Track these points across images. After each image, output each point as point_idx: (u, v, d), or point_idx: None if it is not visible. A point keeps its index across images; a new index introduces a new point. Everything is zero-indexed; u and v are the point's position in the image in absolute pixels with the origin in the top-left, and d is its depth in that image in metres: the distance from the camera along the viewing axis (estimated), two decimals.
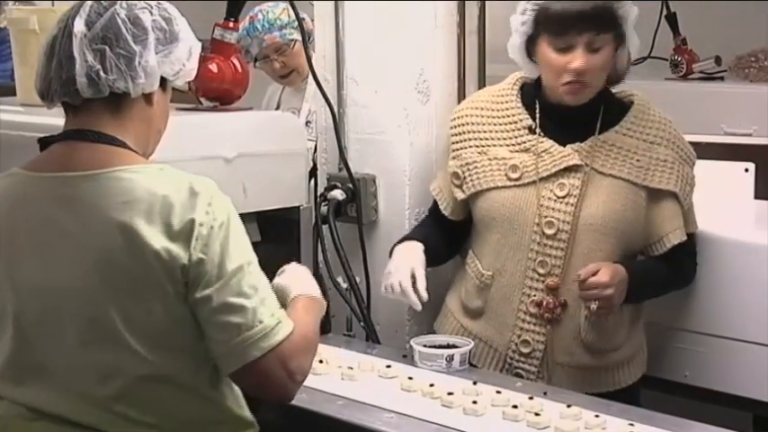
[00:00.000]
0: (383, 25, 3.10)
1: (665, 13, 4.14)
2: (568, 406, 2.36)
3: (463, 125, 2.85)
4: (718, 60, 3.98)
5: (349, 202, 3.14)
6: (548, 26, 2.68)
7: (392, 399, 2.45)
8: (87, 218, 2.01)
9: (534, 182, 2.73)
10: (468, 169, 2.81)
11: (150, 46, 2.07)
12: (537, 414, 2.33)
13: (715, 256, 2.82)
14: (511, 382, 2.63)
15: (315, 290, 2.30)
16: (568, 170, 2.72)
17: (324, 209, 3.14)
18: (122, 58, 2.05)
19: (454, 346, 2.71)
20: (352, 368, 2.61)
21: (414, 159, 3.10)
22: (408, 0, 3.05)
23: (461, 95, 3.15)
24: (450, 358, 2.67)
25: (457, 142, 2.85)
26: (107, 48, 2.04)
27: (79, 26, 2.05)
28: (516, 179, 2.75)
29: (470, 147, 2.82)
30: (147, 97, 2.11)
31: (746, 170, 2.97)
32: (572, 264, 2.69)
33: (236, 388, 2.14)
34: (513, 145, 2.78)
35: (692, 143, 2.75)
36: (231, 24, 3.00)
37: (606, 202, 2.69)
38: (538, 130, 2.76)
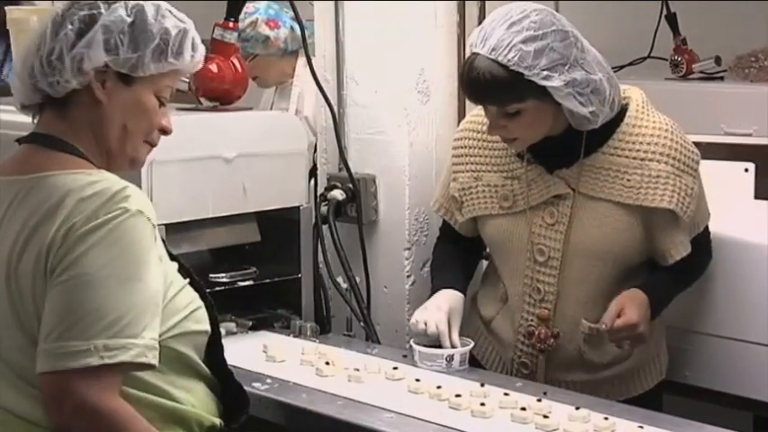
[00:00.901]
0: (383, 25, 3.10)
1: (665, 13, 4.14)
2: (577, 408, 2.34)
3: (462, 147, 2.82)
4: (718, 60, 3.96)
5: (349, 202, 3.14)
6: (462, 87, 2.65)
7: (399, 401, 2.44)
8: (7, 222, 2.01)
9: (525, 210, 2.71)
10: (465, 194, 2.79)
11: (68, 42, 2.02)
12: (545, 416, 2.31)
13: (715, 256, 2.82)
14: (511, 382, 2.62)
15: None
16: (557, 197, 2.68)
17: (324, 209, 3.14)
18: (41, 60, 2.03)
19: (454, 346, 2.71)
20: (358, 370, 2.59)
21: (414, 159, 3.10)
22: (408, 0, 3.05)
23: (461, 95, 3.15)
24: (451, 358, 2.67)
25: (456, 164, 2.82)
26: (35, 52, 2.05)
27: (32, 39, 2.08)
28: (508, 207, 2.73)
29: (467, 171, 2.80)
30: (90, 95, 2.04)
31: (746, 170, 2.96)
32: (565, 290, 2.68)
33: (194, 385, 2.11)
34: (504, 171, 2.75)
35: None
36: (231, 24, 3.01)
37: (596, 227, 2.65)
38: (527, 156, 2.71)
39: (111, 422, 1.91)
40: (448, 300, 2.74)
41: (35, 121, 2.13)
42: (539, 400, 2.40)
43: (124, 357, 1.89)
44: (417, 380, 2.52)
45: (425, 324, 2.69)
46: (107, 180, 2.00)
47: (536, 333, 2.69)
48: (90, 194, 1.95)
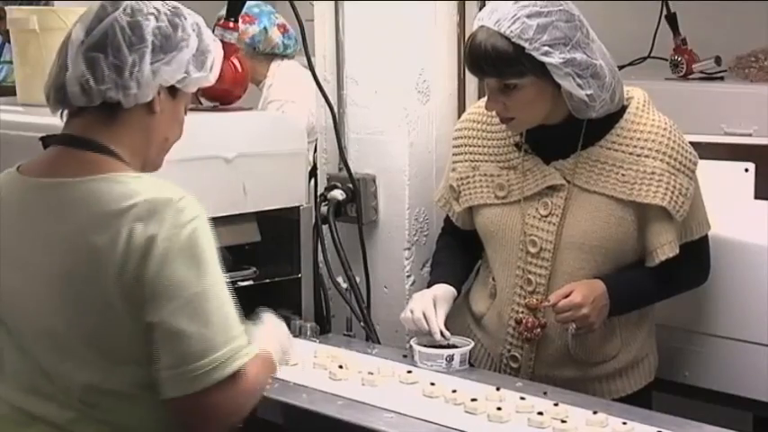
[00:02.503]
0: (383, 25, 3.10)
1: (665, 13, 4.14)
2: (594, 413, 2.33)
3: (461, 138, 2.83)
4: (718, 60, 3.97)
5: (349, 202, 3.14)
6: (465, 60, 2.67)
7: (415, 405, 2.42)
8: (58, 226, 1.98)
9: (519, 200, 2.72)
10: (462, 183, 2.81)
11: (146, 55, 2.01)
12: (563, 421, 2.30)
13: (715, 256, 2.81)
14: (510, 381, 2.63)
15: (275, 348, 2.18)
16: (552, 188, 2.68)
17: (324, 209, 3.14)
18: (115, 68, 1.99)
19: (454, 346, 2.71)
20: (372, 373, 2.58)
21: (414, 159, 3.10)
22: (408, 0, 3.05)
23: (461, 95, 3.15)
24: (450, 358, 2.67)
25: (455, 154, 2.84)
26: (101, 56, 1.99)
27: (78, 33, 2.02)
28: (503, 197, 2.74)
29: (465, 161, 2.81)
30: (149, 106, 2.05)
31: (746, 170, 2.96)
32: (555, 282, 2.68)
33: None
34: (501, 162, 2.76)
35: (691, 143, 2.72)
36: (231, 24, 3.01)
37: (589, 220, 2.65)
38: (525, 147, 2.73)
39: (253, 401, 2.02)
40: (433, 290, 2.76)
41: (64, 119, 2.09)
42: (555, 405, 2.38)
43: (244, 358, 1.95)
44: (432, 384, 2.51)
45: (411, 312, 2.70)
46: (163, 183, 2.01)
47: (524, 321, 2.69)
48: (156, 201, 1.94)
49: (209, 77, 2.12)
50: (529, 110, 2.63)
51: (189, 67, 2.07)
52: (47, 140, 2.10)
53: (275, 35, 4.45)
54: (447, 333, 2.69)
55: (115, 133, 2.04)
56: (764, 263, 2.79)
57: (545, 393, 2.50)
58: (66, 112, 2.08)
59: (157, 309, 1.91)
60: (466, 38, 3.10)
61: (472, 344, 2.74)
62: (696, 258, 2.76)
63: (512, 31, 2.53)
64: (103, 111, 2.03)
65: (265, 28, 4.41)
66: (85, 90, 2.00)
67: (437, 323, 2.69)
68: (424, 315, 2.69)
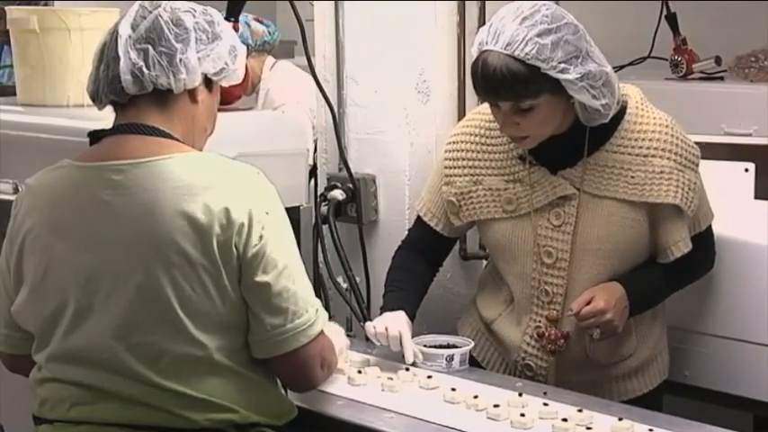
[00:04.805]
0: (383, 25, 3.10)
1: (665, 13, 4.15)
2: (620, 419, 2.30)
3: (458, 151, 2.78)
4: (718, 60, 3.98)
5: (349, 202, 3.14)
6: (474, 85, 2.61)
7: (436, 411, 2.39)
8: (141, 203, 2.09)
9: (529, 213, 2.70)
10: (464, 199, 2.76)
11: (191, 44, 2.17)
12: (588, 428, 2.27)
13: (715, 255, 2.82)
14: (511, 382, 2.63)
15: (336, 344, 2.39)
16: (563, 198, 2.66)
17: (324, 209, 3.14)
18: (164, 56, 2.15)
19: (454, 346, 2.71)
20: (392, 379, 2.54)
21: (414, 159, 3.10)
22: (408, 0, 3.05)
23: (461, 95, 3.15)
24: (451, 358, 2.67)
25: (450, 168, 2.78)
26: (150, 47, 2.14)
27: (124, 28, 2.16)
28: (512, 211, 2.71)
29: (465, 175, 2.76)
30: (192, 95, 2.21)
31: (746, 170, 2.96)
32: (573, 290, 2.66)
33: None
34: (506, 175, 2.72)
35: None
36: (231, 25, 3.00)
37: (603, 226, 2.64)
38: (529, 158, 2.70)
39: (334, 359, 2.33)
40: (400, 314, 2.70)
41: (105, 110, 2.22)
42: (579, 411, 2.35)
43: (325, 316, 2.23)
44: (453, 389, 2.47)
45: (386, 329, 2.64)
46: (229, 160, 2.22)
47: (546, 334, 2.68)
48: (239, 176, 2.16)
49: (239, 73, 2.28)
50: (543, 126, 2.60)
51: (227, 59, 2.24)
52: (99, 134, 2.21)
53: (257, 26, 4.49)
54: (420, 356, 2.65)
55: (168, 120, 2.19)
56: (764, 263, 2.79)
57: (545, 393, 2.49)
58: (114, 107, 2.21)
59: (268, 272, 2.11)
60: (466, 38, 3.12)
61: (472, 344, 2.73)
62: (704, 248, 2.76)
63: (527, 54, 2.48)
64: (154, 98, 2.18)
65: (246, 23, 4.43)
66: (138, 78, 2.14)
67: (413, 346, 2.64)
68: (400, 334, 2.64)
